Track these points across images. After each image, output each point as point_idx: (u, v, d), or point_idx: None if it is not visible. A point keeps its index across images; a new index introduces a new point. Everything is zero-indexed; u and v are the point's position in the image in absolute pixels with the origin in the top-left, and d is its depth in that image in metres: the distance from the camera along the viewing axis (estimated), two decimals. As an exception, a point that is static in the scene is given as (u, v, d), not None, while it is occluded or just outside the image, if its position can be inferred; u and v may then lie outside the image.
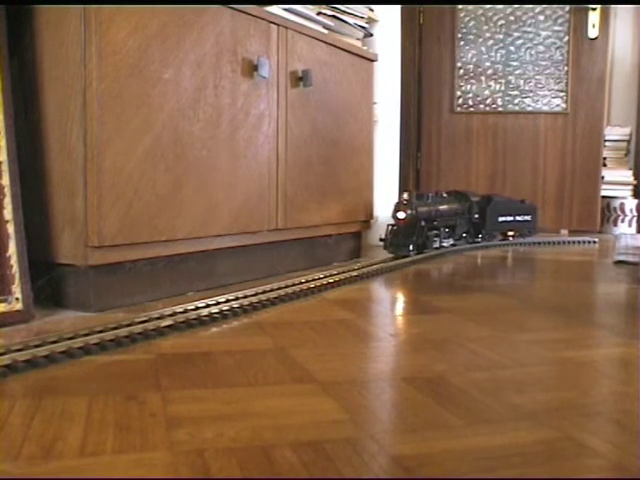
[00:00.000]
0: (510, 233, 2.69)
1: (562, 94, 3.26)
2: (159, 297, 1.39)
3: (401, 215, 2.03)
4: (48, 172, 1.26)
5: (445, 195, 2.33)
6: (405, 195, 2.06)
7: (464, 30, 3.37)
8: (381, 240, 2.07)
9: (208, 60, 1.45)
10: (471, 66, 3.37)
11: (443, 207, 2.23)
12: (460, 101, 3.40)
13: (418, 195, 2.14)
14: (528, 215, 2.72)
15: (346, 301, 1.41)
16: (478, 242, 2.49)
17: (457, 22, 3.37)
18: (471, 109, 3.38)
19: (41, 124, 1.26)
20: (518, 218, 2.67)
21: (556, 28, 3.24)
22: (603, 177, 3.30)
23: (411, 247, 2.01)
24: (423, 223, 2.07)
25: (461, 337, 1.11)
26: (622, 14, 3.54)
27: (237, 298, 1.30)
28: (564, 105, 3.26)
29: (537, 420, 0.72)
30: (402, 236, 2.04)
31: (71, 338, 0.97)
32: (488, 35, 3.34)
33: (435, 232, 2.17)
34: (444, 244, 2.24)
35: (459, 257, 2.25)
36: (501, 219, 2.59)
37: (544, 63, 3.27)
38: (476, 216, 2.45)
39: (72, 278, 1.27)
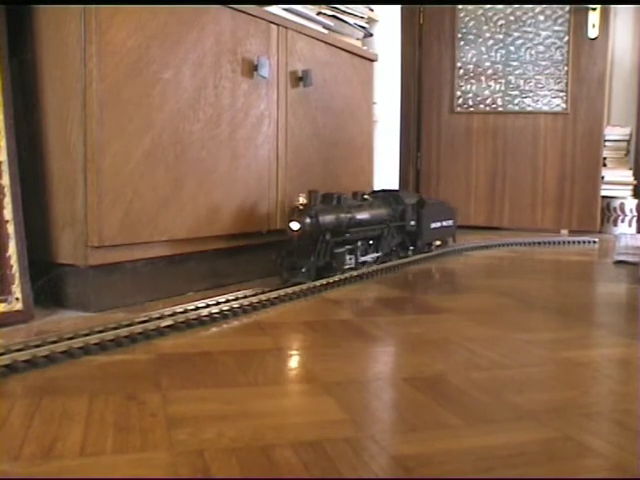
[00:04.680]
0: (437, 242, 2.29)
1: (562, 94, 3.26)
2: (159, 297, 1.39)
3: (294, 226, 1.47)
4: (48, 172, 1.26)
5: (367, 197, 1.82)
6: (301, 198, 1.51)
7: (464, 30, 3.37)
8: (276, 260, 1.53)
9: (208, 60, 1.45)
10: (471, 66, 3.37)
11: (362, 213, 1.70)
12: (460, 101, 3.40)
13: (326, 197, 1.62)
14: (450, 220, 2.30)
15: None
16: (409, 256, 2.02)
17: (457, 22, 3.37)
18: (471, 109, 3.38)
19: (41, 124, 1.26)
20: (444, 223, 2.24)
21: (556, 28, 3.24)
22: (603, 177, 3.30)
23: (306, 270, 1.48)
24: (328, 236, 1.52)
25: (461, 337, 1.11)
26: (622, 14, 3.54)
27: (237, 298, 1.30)
28: (564, 105, 3.26)
29: (537, 420, 0.72)
30: (297, 255, 1.50)
31: (71, 338, 0.97)
32: (488, 35, 3.34)
33: (349, 247, 1.64)
34: (365, 260, 1.73)
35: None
36: (433, 226, 2.13)
37: (544, 63, 3.27)
38: (412, 223, 1.98)
39: (72, 278, 1.27)
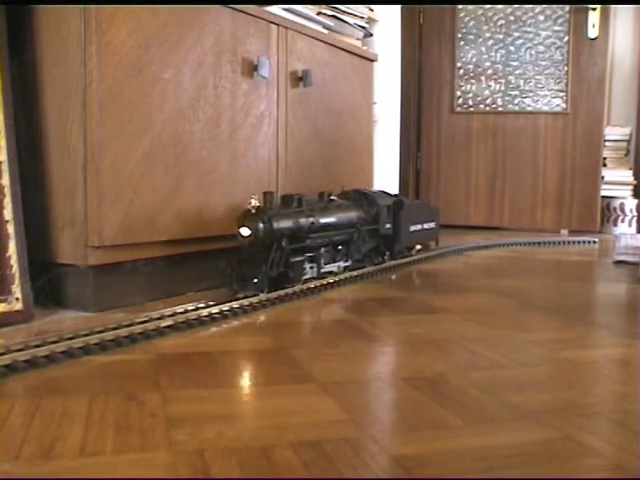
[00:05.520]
0: (418, 247, 2.14)
1: (562, 94, 3.26)
2: (159, 297, 1.39)
3: (245, 232, 1.33)
4: (48, 172, 1.26)
5: (335, 198, 1.66)
6: (254, 200, 1.35)
7: (464, 30, 3.37)
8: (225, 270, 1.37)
9: (208, 60, 1.45)
10: (471, 66, 3.37)
11: (327, 217, 1.55)
12: (460, 101, 3.40)
13: (285, 199, 1.49)
14: (432, 222, 2.13)
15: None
16: (384, 262, 1.85)
17: (457, 22, 3.36)
18: (471, 109, 3.38)
19: (41, 124, 1.26)
20: (425, 226, 2.06)
21: (556, 28, 3.24)
22: (603, 177, 3.30)
23: (258, 281, 1.31)
24: (284, 243, 1.37)
25: (461, 337, 1.11)
26: (622, 14, 3.54)
27: (237, 298, 1.30)
28: (564, 105, 3.26)
29: (537, 420, 0.72)
30: (248, 264, 1.34)
31: (71, 338, 0.97)
32: (488, 35, 3.34)
33: (309, 255, 1.48)
34: (330, 270, 1.57)
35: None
36: (412, 228, 1.97)
37: (544, 63, 3.27)
38: (387, 226, 1.81)
39: (72, 278, 1.27)
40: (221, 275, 1.36)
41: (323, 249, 1.54)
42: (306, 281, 1.47)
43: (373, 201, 1.77)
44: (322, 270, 1.53)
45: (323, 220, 1.53)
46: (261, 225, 1.33)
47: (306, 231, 1.46)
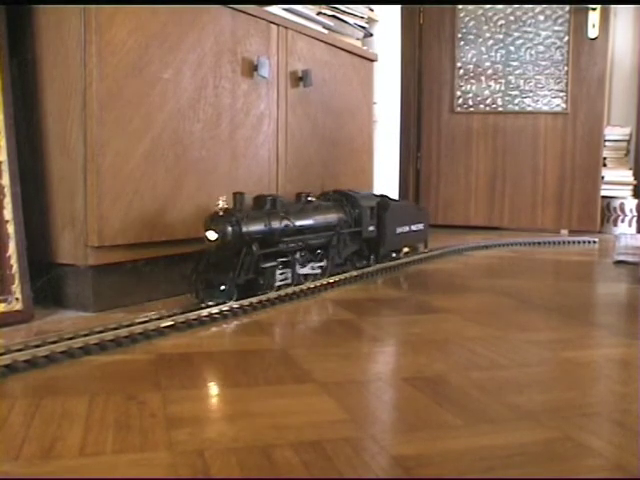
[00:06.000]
0: (405, 250, 2.03)
1: (562, 94, 3.26)
2: (159, 297, 1.39)
3: (211, 236, 1.25)
4: (48, 172, 1.26)
5: (313, 200, 1.58)
6: (221, 202, 1.27)
7: (464, 30, 3.36)
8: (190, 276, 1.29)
9: (208, 60, 1.45)
10: (471, 66, 3.37)
11: (303, 219, 1.47)
12: (460, 101, 3.40)
13: (258, 200, 1.42)
14: (421, 223, 2.04)
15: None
16: (370, 265, 1.77)
17: (457, 22, 3.36)
18: (471, 109, 3.38)
19: (41, 124, 1.26)
20: (413, 227, 1.97)
21: (556, 28, 3.24)
22: (603, 177, 3.30)
23: (225, 288, 1.24)
24: (255, 247, 1.29)
25: (461, 337, 1.11)
26: (622, 14, 3.54)
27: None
28: (564, 105, 3.26)
29: (537, 420, 0.72)
30: (215, 270, 1.27)
31: (71, 338, 0.97)
32: (488, 35, 3.34)
33: (283, 260, 1.40)
34: (306, 272, 1.48)
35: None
36: (399, 230, 1.88)
37: (544, 63, 3.27)
38: (370, 228, 1.73)
39: (72, 278, 1.27)
40: (186, 282, 1.29)
41: (299, 253, 1.45)
42: (280, 287, 1.39)
43: (355, 202, 1.70)
44: (297, 274, 1.44)
45: (299, 222, 1.45)
46: (229, 228, 1.25)
47: (279, 234, 1.38)
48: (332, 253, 1.57)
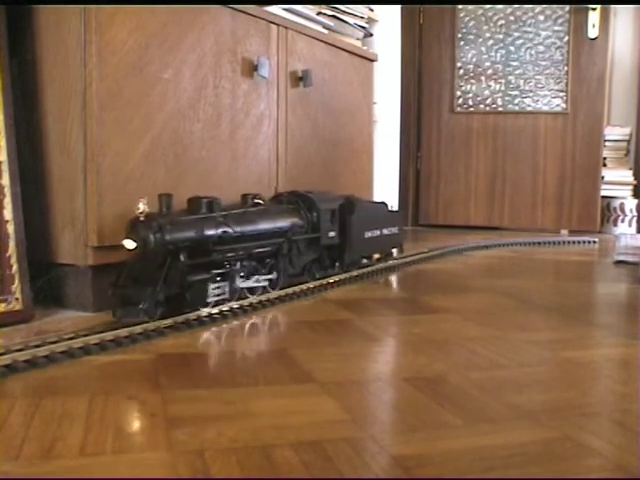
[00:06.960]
0: (376, 255, 1.86)
1: (562, 94, 3.26)
2: (159, 297, 1.39)
3: (129, 245, 1.09)
4: (48, 172, 1.26)
5: (261, 202, 1.40)
6: (142, 205, 1.09)
7: (464, 30, 3.37)
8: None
9: (208, 60, 1.45)
10: (471, 66, 3.37)
11: (245, 225, 1.29)
12: (460, 101, 3.40)
13: (192, 202, 1.23)
14: (395, 226, 1.85)
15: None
16: (332, 275, 1.58)
17: (457, 22, 3.36)
18: (471, 109, 3.38)
19: (41, 124, 1.26)
20: (385, 231, 1.79)
21: (556, 28, 3.24)
22: (603, 177, 3.30)
23: (143, 306, 1.06)
24: (183, 257, 1.13)
25: (461, 337, 1.11)
26: (622, 14, 3.54)
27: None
28: (564, 105, 3.26)
29: (537, 420, 0.72)
30: (135, 285, 1.10)
31: (71, 338, 0.97)
32: (488, 35, 3.34)
33: (218, 271, 1.21)
34: (251, 285, 1.29)
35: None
36: (368, 235, 1.69)
37: (544, 63, 3.27)
38: (331, 234, 1.55)
39: (72, 278, 1.27)
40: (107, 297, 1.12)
41: (239, 264, 1.27)
42: (218, 303, 1.21)
43: (312, 205, 1.50)
44: (237, 288, 1.25)
45: (239, 229, 1.26)
46: (150, 236, 1.08)
47: (214, 242, 1.20)
48: (283, 263, 1.39)
